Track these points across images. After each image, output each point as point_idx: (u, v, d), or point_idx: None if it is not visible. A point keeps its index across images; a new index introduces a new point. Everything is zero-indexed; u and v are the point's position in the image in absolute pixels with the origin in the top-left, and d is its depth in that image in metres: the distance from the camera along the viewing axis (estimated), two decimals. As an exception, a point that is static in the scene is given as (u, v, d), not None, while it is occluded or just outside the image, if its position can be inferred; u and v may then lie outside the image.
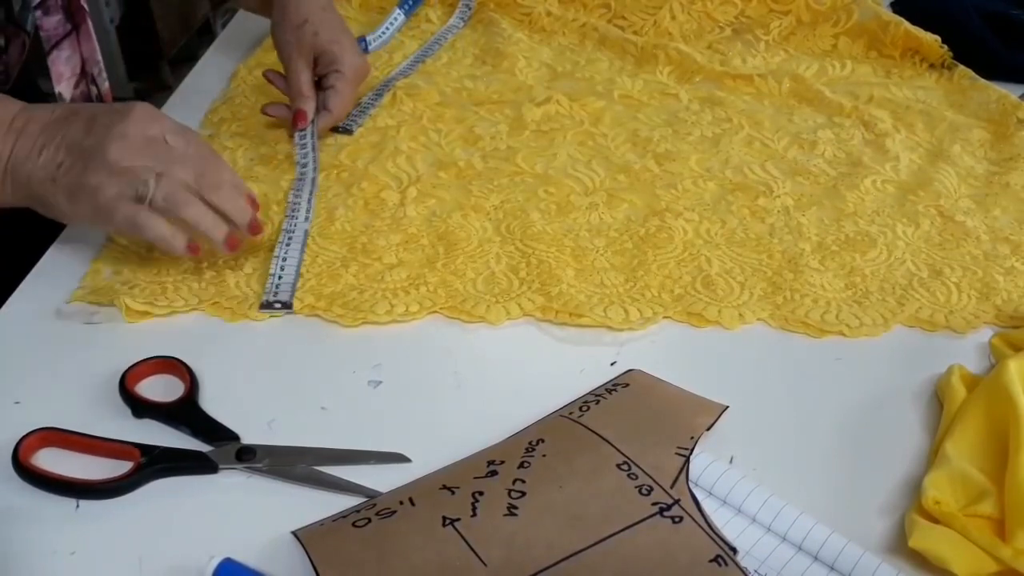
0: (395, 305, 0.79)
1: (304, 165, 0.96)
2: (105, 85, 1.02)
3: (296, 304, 0.79)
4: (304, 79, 1.03)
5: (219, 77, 1.15)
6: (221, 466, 0.65)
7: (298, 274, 0.82)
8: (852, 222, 0.93)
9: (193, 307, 0.79)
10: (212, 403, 0.70)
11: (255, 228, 0.80)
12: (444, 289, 0.81)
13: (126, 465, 0.64)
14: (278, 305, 0.79)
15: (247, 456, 0.65)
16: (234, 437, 0.67)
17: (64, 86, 0.97)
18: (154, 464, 0.64)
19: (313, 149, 0.98)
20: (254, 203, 0.82)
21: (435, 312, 0.80)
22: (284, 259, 0.83)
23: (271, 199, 0.92)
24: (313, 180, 0.94)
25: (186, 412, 0.69)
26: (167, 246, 0.77)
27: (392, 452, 0.66)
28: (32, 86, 1.05)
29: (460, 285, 0.82)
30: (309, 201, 0.91)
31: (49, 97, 0.96)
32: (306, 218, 0.89)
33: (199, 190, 0.77)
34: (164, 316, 0.78)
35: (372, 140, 1.03)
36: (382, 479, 0.63)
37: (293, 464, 0.65)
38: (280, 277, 0.81)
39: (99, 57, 1.00)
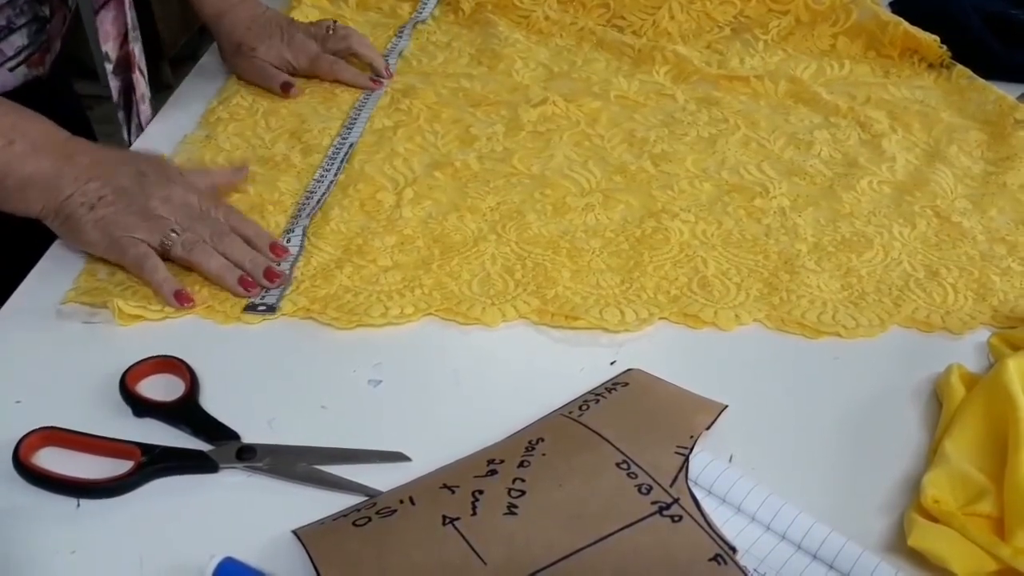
0: (390, 307, 0.79)
1: (327, 169, 0.97)
2: (137, 46, 1.08)
3: (290, 306, 0.79)
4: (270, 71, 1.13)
5: (219, 77, 1.15)
6: (222, 465, 0.65)
7: (290, 277, 0.82)
8: (848, 223, 0.93)
9: (186, 310, 0.79)
10: (213, 403, 0.70)
11: (270, 276, 0.81)
12: (439, 291, 0.81)
13: (127, 464, 0.64)
14: (263, 308, 0.79)
15: (247, 455, 0.65)
16: (234, 436, 0.67)
17: (111, 45, 1.06)
18: (155, 463, 0.64)
19: (343, 160, 0.99)
20: (279, 250, 0.84)
21: (430, 315, 0.79)
22: (278, 263, 0.83)
23: (267, 200, 0.92)
24: (331, 183, 0.94)
25: (187, 411, 0.69)
26: (159, 289, 0.79)
27: (392, 451, 0.66)
28: (71, 58, 1.12)
29: (455, 287, 0.82)
30: (319, 202, 0.91)
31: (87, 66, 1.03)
32: (309, 215, 0.89)
33: (215, 244, 0.81)
34: (157, 320, 0.78)
35: (369, 141, 1.03)
36: (382, 478, 0.63)
37: (293, 463, 0.65)
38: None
39: (135, 20, 1.08)
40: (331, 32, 1.17)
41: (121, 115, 1.11)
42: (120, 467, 0.63)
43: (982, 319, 0.82)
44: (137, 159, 0.85)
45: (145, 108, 1.10)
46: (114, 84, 1.08)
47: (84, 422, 0.67)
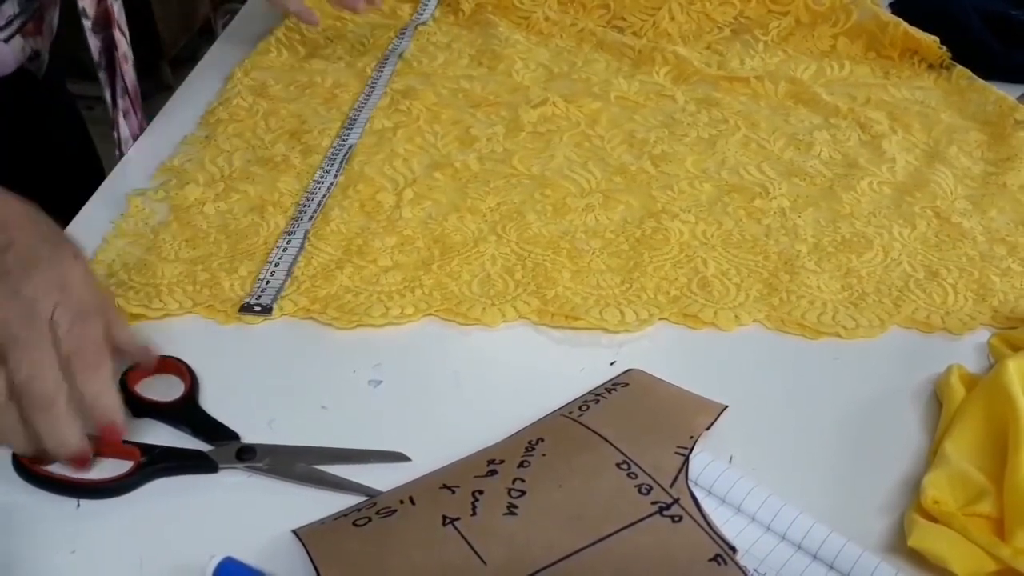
0: (390, 308, 0.79)
1: (327, 170, 0.97)
2: (117, 4, 1.04)
3: (290, 306, 0.79)
4: None
5: (220, 78, 1.15)
6: (221, 465, 0.65)
7: (288, 278, 0.82)
8: (848, 223, 0.93)
9: (187, 310, 0.79)
10: (213, 403, 0.70)
11: (77, 460, 0.62)
12: (439, 292, 0.81)
13: (126, 465, 0.63)
14: (258, 309, 0.79)
15: (247, 456, 0.65)
16: (234, 436, 0.67)
17: (88, 1, 1.00)
18: (154, 463, 0.64)
19: (343, 160, 0.99)
20: (110, 433, 0.62)
21: (430, 315, 0.80)
22: (276, 263, 0.83)
23: (267, 201, 0.92)
24: (331, 185, 0.94)
25: (186, 412, 0.69)
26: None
27: (392, 451, 0.66)
28: (70, 59, 1.11)
29: (455, 287, 0.82)
30: (319, 203, 0.91)
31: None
32: (310, 218, 0.89)
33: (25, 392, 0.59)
34: (158, 319, 0.78)
35: (369, 142, 1.03)
36: (382, 479, 0.63)
37: (292, 463, 0.65)
38: (268, 281, 0.81)
39: None
40: None
41: (103, 76, 1.06)
42: (120, 467, 0.63)
43: (982, 320, 0.82)
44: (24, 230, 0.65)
45: (128, 69, 1.06)
46: (94, 43, 1.03)
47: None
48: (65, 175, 1.10)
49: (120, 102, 1.05)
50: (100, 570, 0.58)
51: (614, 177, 0.99)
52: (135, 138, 1.04)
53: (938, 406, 0.73)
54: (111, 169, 0.99)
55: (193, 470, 0.65)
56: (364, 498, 0.63)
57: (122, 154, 1.01)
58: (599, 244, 0.88)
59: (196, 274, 0.82)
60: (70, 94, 1.20)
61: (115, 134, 1.04)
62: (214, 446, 0.66)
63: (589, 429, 0.65)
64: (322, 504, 0.61)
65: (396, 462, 0.66)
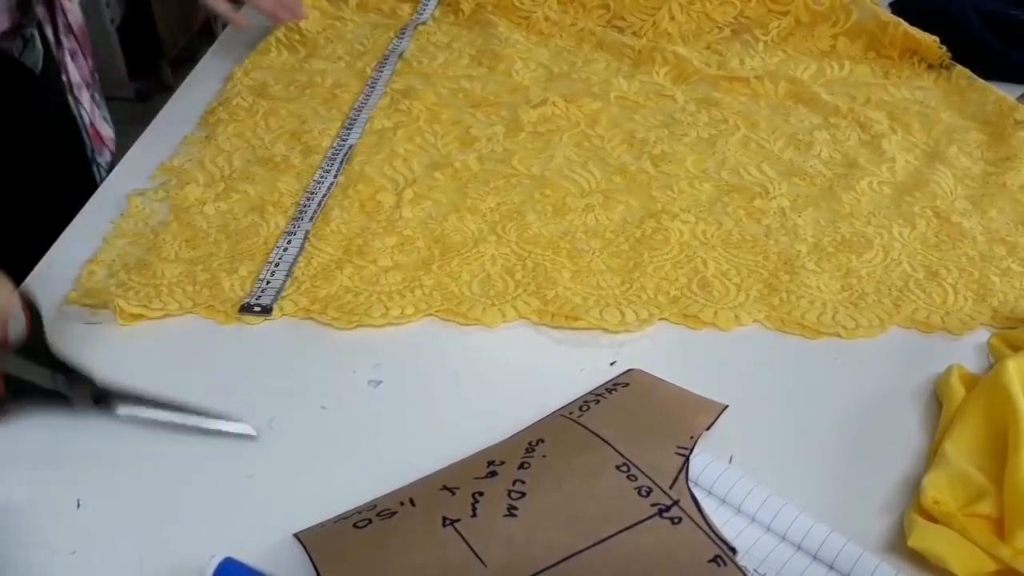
0: (390, 308, 0.79)
1: (327, 170, 0.97)
2: None
3: (290, 306, 0.79)
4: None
5: (220, 78, 1.16)
6: (78, 409, 0.67)
7: (288, 278, 0.82)
8: (848, 223, 0.93)
9: (187, 310, 0.79)
10: (213, 402, 0.70)
11: None
12: (439, 292, 0.81)
13: None
14: (258, 309, 0.79)
15: (102, 400, 0.67)
16: (87, 377, 0.68)
17: None
18: (16, 399, 0.66)
19: (343, 160, 0.99)
20: None
21: (430, 315, 0.80)
22: (277, 263, 0.83)
23: (267, 201, 0.92)
24: (331, 185, 0.94)
25: (34, 349, 0.68)
26: None
27: (240, 433, 0.68)
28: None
29: (455, 288, 0.82)
30: (319, 204, 0.91)
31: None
32: (310, 218, 0.89)
33: None
34: (158, 319, 0.78)
35: (369, 142, 1.03)
36: (382, 479, 0.63)
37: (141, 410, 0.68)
38: (268, 282, 0.81)
39: None
40: None
41: (41, 10, 0.99)
42: None
43: (982, 320, 0.82)
44: None
45: (71, 6, 0.99)
46: None
47: (85, 423, 0.67)
48: (56, 173, 1.10)
49: (64, 40, 0.99)
50: (100, 570, 0.58)
51: (614, 177, 0.99)
52: (88, 86, 1.02)
53: (938, 406, 0.73)
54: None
55: (50, 408, 0.67)
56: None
57: (85, 124, 1.00)
58: (599, 244, 0.88)
59: (196, 274, 0.82)
60: (63, 91, 1.20)
61: (64, 79, 1.00)
62: (71, 384, 0.67)
63: (589, 430, 0.65)
64: (323, 504, 0.61)
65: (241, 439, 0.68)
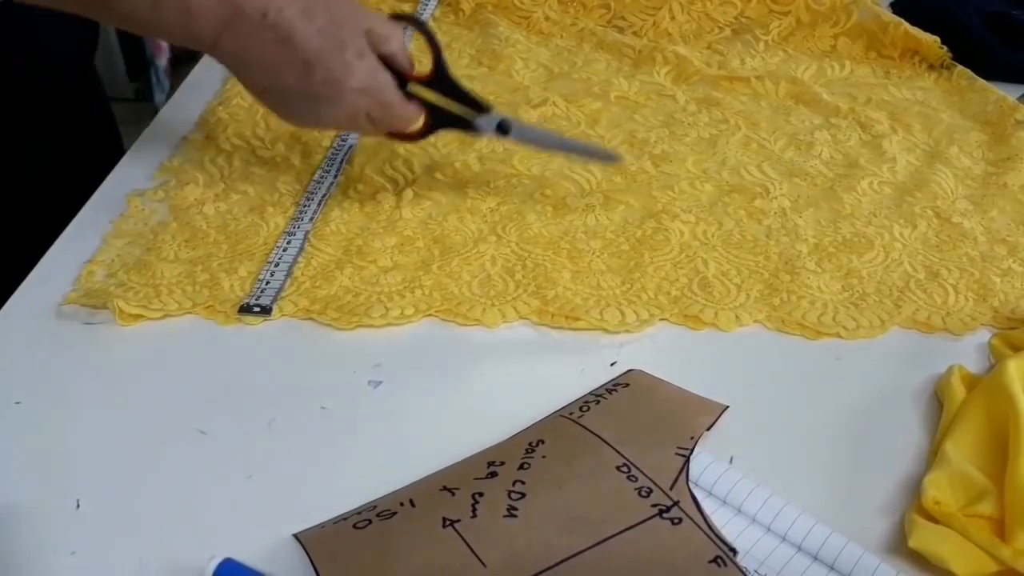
0: (390, 308, 0.79)
1: (327, 170, 0.97)
2: None
3: (290, 307, 0.79)
4: None
5: (220, 78, 1.15)
6: (485, 135, 0.88)
7: (288, 278, 0.82)
8: (849, 224, 0.93)
9: (187, 310, 0.78)
10: (213, 402, 0.70)
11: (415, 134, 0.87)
12: (439, 292, 0.81)
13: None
14: (257, 309, 0.79)
15: (503, 128, 0.87)
16: (488, 107, 0.87)
17: None
18: (437, 125, 0.87)
19: (343, 160, 0.99)
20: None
21: (430, 315, 0.79)
22: (276, 264, 0.83)
23: (267, 201, 0.92)
24: (331, 185, 0.94)
25: (441, 82, 0.85)
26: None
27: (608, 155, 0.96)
28: None
29: (455, 288, 0.82)
30: (319, 204, 0.91)
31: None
32: (311, 218, 0.89)
33: None
34: (158, 319, 0.78)
35: (369, 142, 1.03)
36: (382, 479, 0.63)
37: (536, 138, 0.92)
38: (267, 282, 0.81)
39: None
40: None
41: None
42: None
43: (983, 320, 0.82)
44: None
45: None
46: None
47: (85, 423, 0.67)
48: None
49: None
50: (100, 570, 0.58)
51: (614, 177, 0.99)
52: None
53: (939, 406, 0.73)
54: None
55: (463, 128, 0.88)
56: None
57: None
58: (599, 244, 0.88)
59: (196, 274, 0.82)
60: (106, 96, 1.19)
61: None
62: (477, 113, 0.87)
63: (589, 431, 0.65)
64: (322, 505, 0.61)
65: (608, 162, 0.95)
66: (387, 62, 0.80)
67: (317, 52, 0.74)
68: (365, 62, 0.76)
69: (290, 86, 0.76)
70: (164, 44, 0.98)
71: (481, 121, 0.86)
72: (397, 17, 0.86)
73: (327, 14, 0.74)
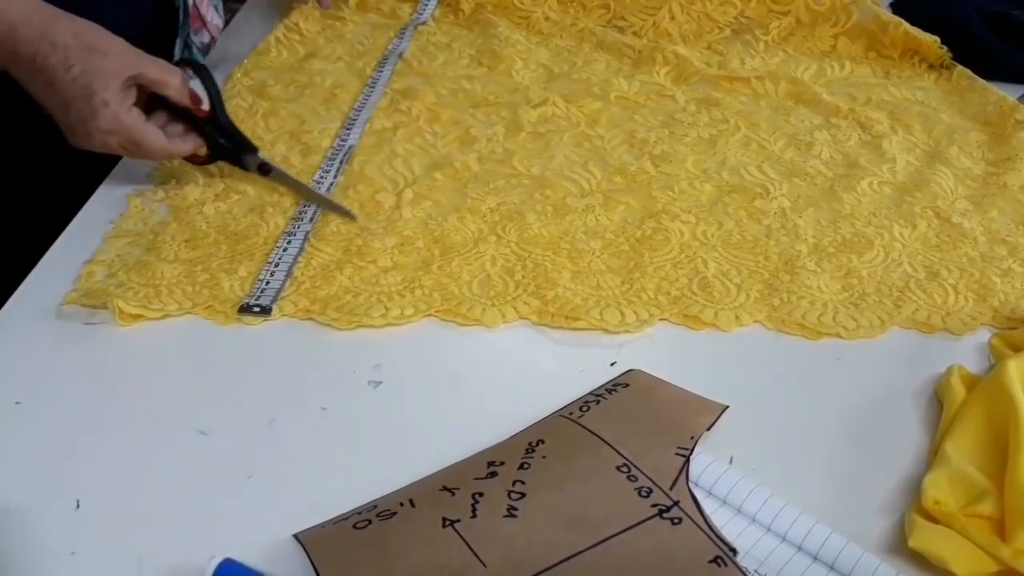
0: (390, 308, 0.79)
1: (327, 170, 0.97)
2: None
3: (290, 307, 0.79)
4: None
5: (220, 78, 1.15)
6: (249, 170, 0.94)
7: (288, 279, 0.82)
8: (849, 224, 0.93)
9: (187, 310, 0.78)
10: (212, 402, 0.70)
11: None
12: (439, 292, 0.81)
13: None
14: (257, 309, 0.78)
15: (264, 170, 0.94)
16: (252, 148, 0.94)
17: None
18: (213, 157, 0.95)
19: (343, 160, 0.99)
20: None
21: (430, 315, 0.79)
22: (276, 264, 0.83)
23: (267, 201, 0.92)
24: (331, 186, 0.94)
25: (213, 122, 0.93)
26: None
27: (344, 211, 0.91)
28: None
29: (455, 288, 0.82)
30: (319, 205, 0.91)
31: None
32: (311, 219, 0.89)
33: None
34: (158, 319, 0.78)
35: (369, 142, 1.03)
36: (382, 479, 0.63)
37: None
38: (267, 282, 0.81)
39: None
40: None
41: None
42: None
43: (983, 320, 0.82)
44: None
45: None
46: None
47: (85, 423, 0.67)
48: None
49: None
50: (100, 570, 0.58)
51: (614, 177, 0.99)
52: None
53: (939, 406, 0.73)
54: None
55: (233, 163, 0.95)
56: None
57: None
58: (599, 244, 0.88)
59: (195, 275, 0.82)
60: None
61: None
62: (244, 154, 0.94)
63: (589, 431, 0.65)
64: (322, 505, 0.61)
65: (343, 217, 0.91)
66: (166, 102, 0.91)
67: (70, 98, 0.84)
68: (110, 108, 0.85)
69: (60, 120, 0.86)
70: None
71: (247, 159, 0.94)
72: (180, 63, 0.95)
73: (85, 64, 0.84)
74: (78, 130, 0.86)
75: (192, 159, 0.95)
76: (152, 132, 0.88)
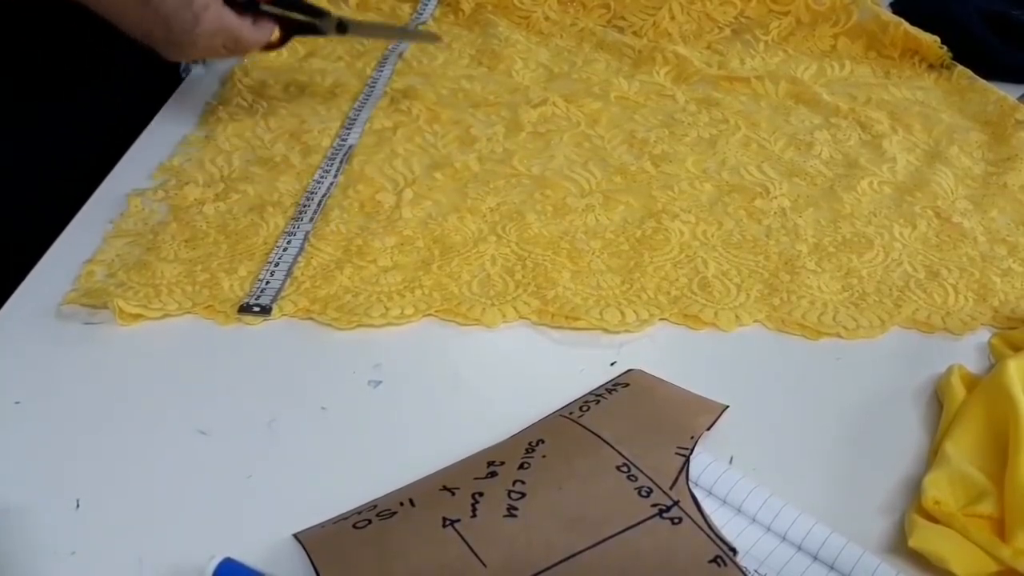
0: (390, 308, 0.79)
1: (327, 170, 0.97)
2: None
3: (290, 306, 0.79)
4: None
5: (220, 78, 1.15)
6: (328, 34, 1.04)
7: (288, 278, 0.82)
8: (849, 223, 0.93)
9: (187, 310, 0.78)
10: (212, 402, 0.70)
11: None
12: (439, 292, 0.81)
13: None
14: (256, 309, 0.79)
15: (341, 29, 1.03)
16: (325, 13, 1.02)
17: None
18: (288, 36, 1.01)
19: (343, 160, 0.99)
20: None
21: (430, 315, 0.79)
22: (276, 263, 0.83)
23: (267, 201, 0.92)
24: (331, 185, 0.94)
25: None
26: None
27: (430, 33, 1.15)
28: None
29: (455, 288, 0.82)
30: (319, 204, 0.91)
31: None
32: (310, 218, 0.89)
33: None
34: (158, 319, 0.78)
35: (368, 142, 1.03)
36: (382, 479, 0.63)
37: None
38: (267, 282, 0.81)
39: None
40: None
41: None
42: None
43: (983, 320, 0.82)
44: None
45: None
46: None
47: (85, 423, 0.67)
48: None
49: None
50: (100, 570, 0.58)
51: (614, 177, 0.99)
52: None
53: (939, 406, 0.73)
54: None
55: (311, 33, 1.03)
56: None
57: None
58: (599, 244, 0.88)
59: (195, 274, 0.82)
60: None
61: None
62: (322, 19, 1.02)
63: (589, 431, 0.65)
64: (322, 506, 0.61)
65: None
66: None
67: (170, 11, 0.89)
68: (211, 11, 0.90)
69: (158, 37, 0.91)
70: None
71: (323, 24, 1.02)
72: None
73: None
74: (182, 41, 0.91)
75: (267, 47, 1.00)
76: (247, 26, 0.95)
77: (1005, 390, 0.68)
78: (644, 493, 0.60)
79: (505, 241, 0.87)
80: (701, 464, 0.64)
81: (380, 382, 0.73)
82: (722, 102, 1.15)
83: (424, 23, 1.31)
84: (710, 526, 0.59)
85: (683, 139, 1.07)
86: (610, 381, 0.73)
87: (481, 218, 0.91)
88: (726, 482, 0.63)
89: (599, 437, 0.64)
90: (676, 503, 0.60)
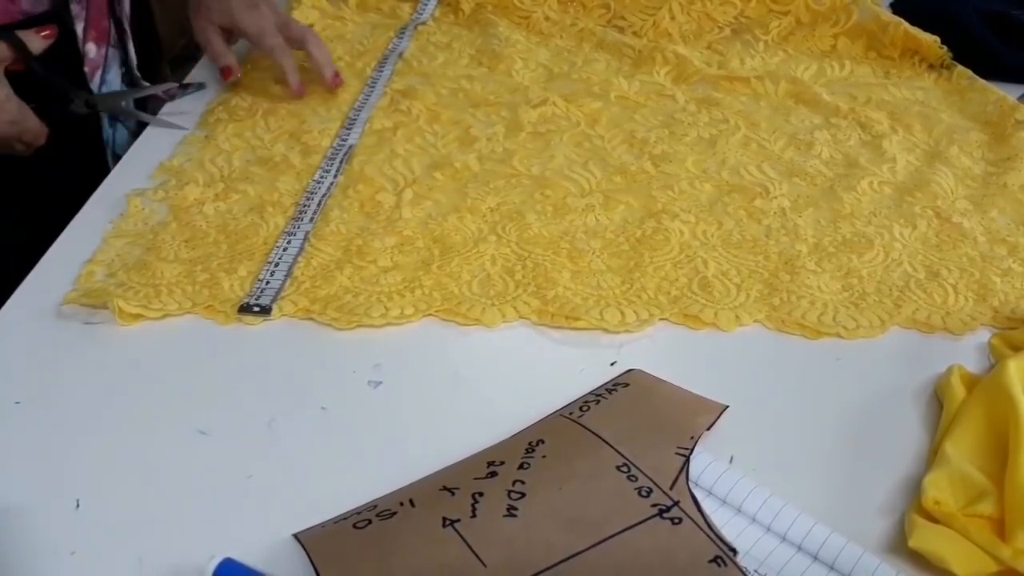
0: (389, 308, 0.79)
1: (327, 170, 0.97)
2: None
3: (290, 306, 0.79)
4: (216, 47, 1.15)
5: (218, 78, 1.15)
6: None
7: (288, 278, 0.82)
8: (849, 223, 0.93)
9: (187, 310, 0.78)
10: (212, 402, 0.70)
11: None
12: (439, 292, 0.81)
13: None
14: (256, 309, 0.79)
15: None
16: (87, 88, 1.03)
17: None
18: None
19: (343, 160, 0.99)
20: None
21: (430, 315, 0.79)
22: (276, 263, 0.83)
23: (267, 201, 0.92)
24: (331, 185, 0.94)
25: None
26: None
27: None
28: None
29: (455, 288, 0.82)
30: (319, 204, 0.91)
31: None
32: (310, 218, 0.89)
33: None
34: (158, 319, 0.78)
35: (369, 142, 1.03)
36: (382, 479, 0.63)
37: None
38: (267, 282, 0.81)
39: None
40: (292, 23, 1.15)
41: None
42: None
43: (983, 320, 0.82)
44: None
45: None
46: None
47: (85, 423, 0.68)
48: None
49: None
50: (100, 570, 0.58)
51: (614, 177, 0.99)
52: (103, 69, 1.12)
53: (939, 406, 0.73)
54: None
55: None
56: None
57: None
58: (599, 244, 0.88)
59: (195, 274, 0.82)
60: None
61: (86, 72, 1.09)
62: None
63: (589, 431, 0.65)
64: (322, 506, 0.61)
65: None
66: None
67: None
68: (12, 101, 0.93)
69: None
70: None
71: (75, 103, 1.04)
72: None
73: None
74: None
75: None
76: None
77: (1005, 390, 0.68)
78: (644, 493, 0.60)
79: (505, 241, 0.87)
80: (701, 464, 0.64)
81: (380, 382, 0.73)
82: (722, 102, 1.15)
83: (424, 23, 1.31)
84: (710, 526, 0.58)
85: (683, 139, 1.07)
86: (610, 381, 0.73)
87: (481, 218, 0.91)
88: (726, 482, 0.63)
89: (599, 437, 0.64)
90: (676, 503, 0.60)
